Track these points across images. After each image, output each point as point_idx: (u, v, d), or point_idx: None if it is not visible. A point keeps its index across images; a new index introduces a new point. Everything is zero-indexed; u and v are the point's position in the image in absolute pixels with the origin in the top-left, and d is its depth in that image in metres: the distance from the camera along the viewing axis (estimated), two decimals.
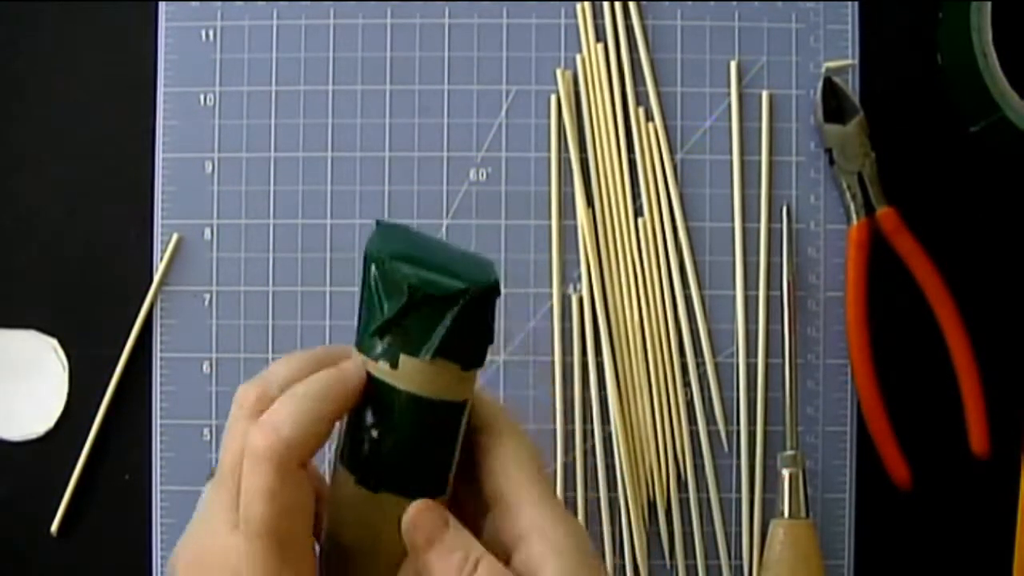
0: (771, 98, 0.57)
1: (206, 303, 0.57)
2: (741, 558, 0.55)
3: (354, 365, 0.39)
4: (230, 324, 0.57)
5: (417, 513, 0.37)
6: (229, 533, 0.38)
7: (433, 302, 0.39)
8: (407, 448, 0.40)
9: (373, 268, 0.39)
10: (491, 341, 0.42)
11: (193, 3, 0.57)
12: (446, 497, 0.41)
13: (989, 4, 0.53)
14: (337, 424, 0.39)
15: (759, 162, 0.57)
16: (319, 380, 0.38)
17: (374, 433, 0.40)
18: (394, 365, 0.39)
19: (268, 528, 0.36)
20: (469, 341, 0.40)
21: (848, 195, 0.56)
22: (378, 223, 0.41)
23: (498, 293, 0.41)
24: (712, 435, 0.56)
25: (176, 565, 0.41)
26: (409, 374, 0.39)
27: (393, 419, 0.40)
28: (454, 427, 0.41)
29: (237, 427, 0.39)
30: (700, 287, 0.56)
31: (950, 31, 0.55)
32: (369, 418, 0.40)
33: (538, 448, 0.41)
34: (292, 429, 0.36)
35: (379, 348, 0.39)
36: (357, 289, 0.40)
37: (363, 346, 0.39)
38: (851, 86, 0.56)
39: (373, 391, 0.40)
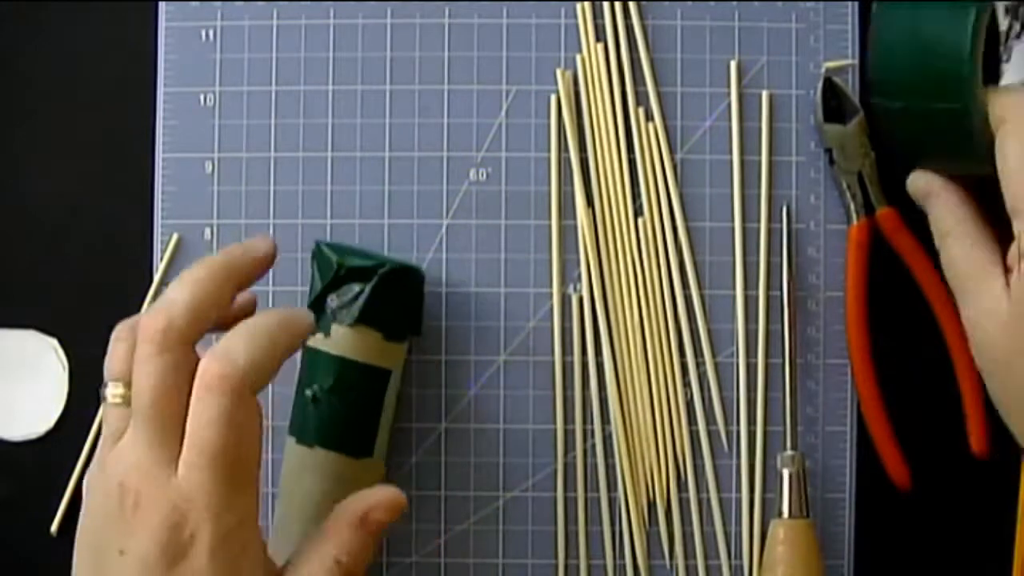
0: (771, 98, 0.57)
1: None
2: (741, 558, 0.55)
3: (305, 312, 0.45)
4: None
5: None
6: (164, 468, 0.38)
7: (355, 276, 0.50)
8: (337, 406, 0.49)
9: (313, 260, 0.52)
10: (415, 320, 0.53)
11: (193, 3, 0.57)
12: (374, 460, 0.51)
13: None
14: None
15: (759, 162, 0.57)
16: (271, 315, 0.42)
17: (308, 393, 0.49)
18: (327, 334, 0.50)
19: (224, 456, 0.37)
20: (389, 312, 0.50)
21: (848, 195, 0.56)
22: (316, 244, 0.53)
23: (419, 277, 0.53)
24: (712, 435, 0.56)
25: (92, 504, 0.41)
26: (338, 340, 0.50)
27: (326, 380, 0.49)
28: (379, 391, 0.50)
29: (150, 362, 0.38)
30: (700, 287, 0.56)
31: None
32: (308, 383, 0.50)
33: None
34: (247, 359, 0.38)
35: (318, 323, 0.49)
36: None
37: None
38: (851, 86, 0.56)
39: (311, 359, 0.50)
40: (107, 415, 0.41)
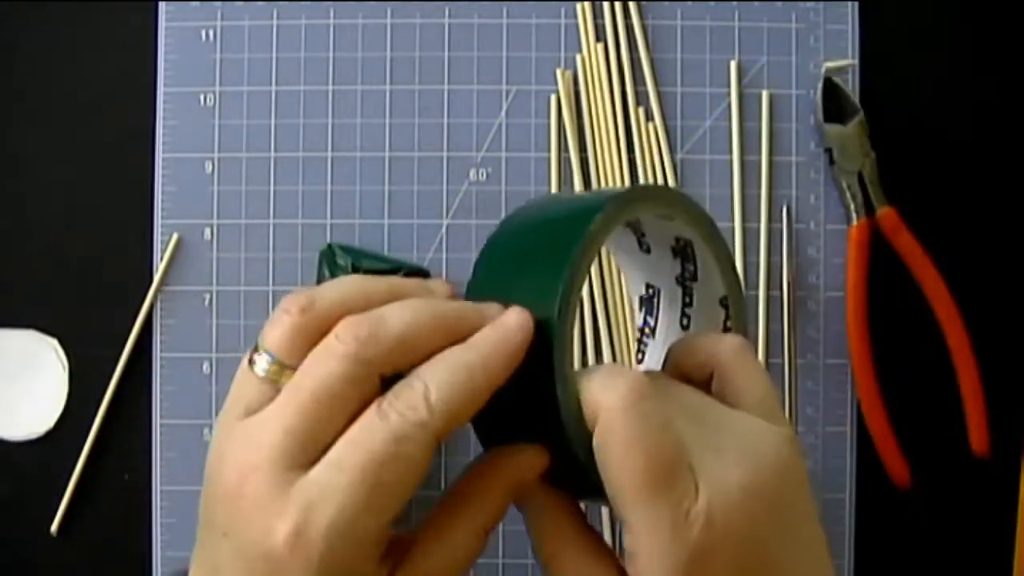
0: (771, 98, 0.57)
1: (206, 303, 0.57)
2: None
3: (518, 315, 0.34)
4: (230, 324, 0.57)
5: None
6: (293, 467, 0.33)
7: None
8: None
9: (322, 261, 0.51)
10: None
11: (193, 3, 0.57)
12: None
13: None
14: None
15: (759, 162, 0.57)
16: (479, 344, 0.34)
17: None
18: None
19: (380, 488, 0.33)
20: None
21: (848, 195, 0.56)
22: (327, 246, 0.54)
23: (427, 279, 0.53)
24: None
25: (211, 470, 0.36)
26: None
27: None
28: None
29: (336, 363, 0.33)
30: None
31: None
32: None
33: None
34: (443, 407, 0.33)
35: None
36: None
37: None
38: (851, 86, 0.56)
39: None
40: (244, 380, 0.37)
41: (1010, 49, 0.56)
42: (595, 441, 0.33)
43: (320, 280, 0.53)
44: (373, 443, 0.32)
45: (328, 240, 0.56)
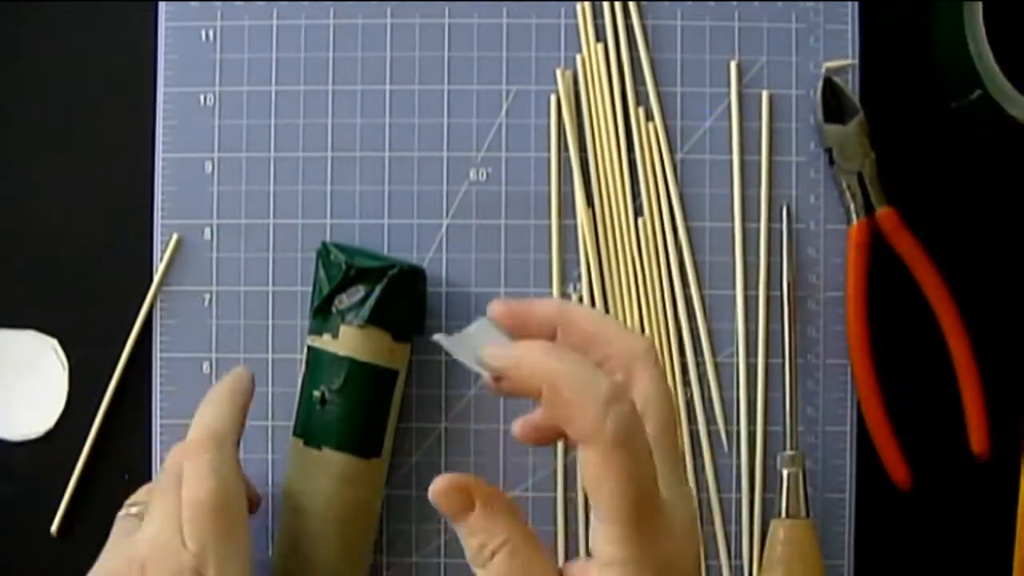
0: (771, 98, 0.57)
1: (206, 303, 0.57)
2: (741, 558, 0.55)
3: (242, 368, 0.50)
4: (230, 324, 0.57)
5: (439, 490, 0.36)
6: (175, 539, 0.42)
7: (364, 276, 0.50)
8: (345, 406, 0.49)
9: (319, 260, 0.52)
10: (420, 320, 0.53)
11: (193, 3, 0.57)
12: (381, 460, 0.51)
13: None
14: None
15: (759, 162, 0.57)
16: (220, 383, 0.48)
17: (316, 394, 0.50)
18: (335, 335, 0.50)
19: (216, 504, 0.42)
20: (397, 313, 0.51)
21: (848, 195, 0.56)
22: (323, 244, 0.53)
23: (423, 278, 0.53)
24: (712, 435, 0.56)
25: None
26: (347, 341, 0.50)
27: (334, 381, 0.49)
28: (388, 391, 0.51)
29: (187, 458, 0.44)
30: (700, 287, 0.56)
31: (943, 10, 0.55)
32: (314, 386, 0.50)
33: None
34: (215, 421, 0.45)
35: (324, 324, 0.51)
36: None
37: (312, 329, 0.51)
38: (851, 86, 0.56)
39: (317, 360, 0.50)
40: (121, 526, 0.47)
41: (1010, 49, 0.56)
42: (589, 473, 0.34)
43: (316, 280, 0.53)
44: (200, 482, 0.43)
45: (328, 240, 0.56)
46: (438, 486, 0.36)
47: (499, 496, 0.36)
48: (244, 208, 0.57)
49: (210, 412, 0.46)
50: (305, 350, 0.51)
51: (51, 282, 0.57)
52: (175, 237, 0.57)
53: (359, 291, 0.50)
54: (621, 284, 0.56)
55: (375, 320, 0.50)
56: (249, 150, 0.57)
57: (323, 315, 0.51)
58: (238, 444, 0.46)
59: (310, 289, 0.56)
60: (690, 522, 0.37)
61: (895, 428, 0.55)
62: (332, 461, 0.49)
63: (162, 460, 0.56)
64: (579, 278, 0.56)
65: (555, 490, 0.56)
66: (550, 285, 0.56)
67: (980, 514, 0.56)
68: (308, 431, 0.50)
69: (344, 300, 0.50)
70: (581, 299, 0.56)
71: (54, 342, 0.57)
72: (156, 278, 0.57)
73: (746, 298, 0.56)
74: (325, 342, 0.50)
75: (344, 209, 0.57)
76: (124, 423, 0.57)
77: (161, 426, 0.56)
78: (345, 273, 0.50)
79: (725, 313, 0.56)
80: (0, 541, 0.57)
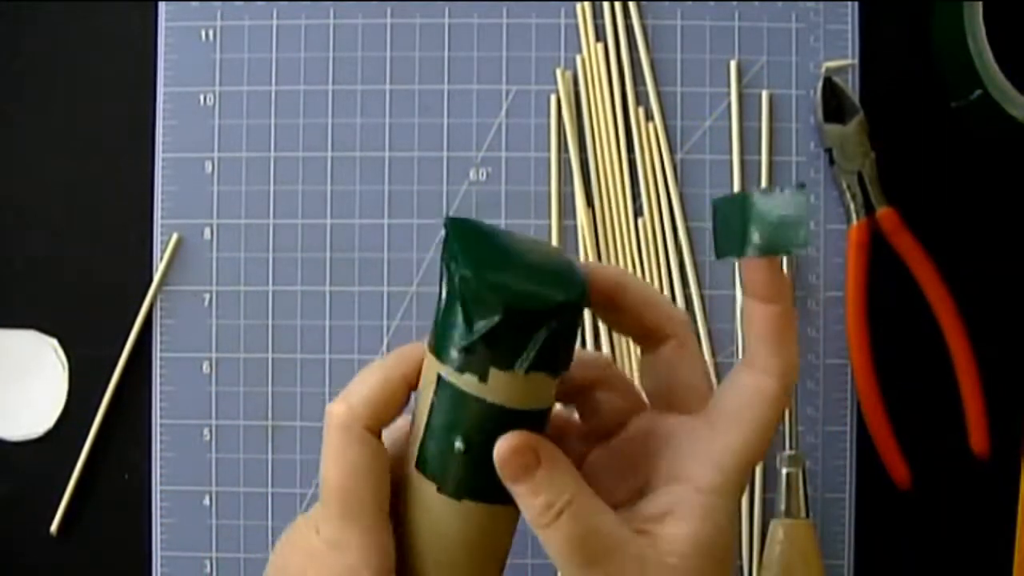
0: (771, 98, 0.57)
1: (206, 303, 0.57)
2: (741, 558, 0.55)
3: (412, 346, 0.40)
4: (230, 324, 0.57)
5: (506, 449, 0.36)
6: (309, 530, 0.39)
7: (529, 317, 0.37)
8: (490, 456, 0.38)
9: (458, 283, 0.37)
10: (575, 344, 0.40)
11: (193, 3, 0.57)
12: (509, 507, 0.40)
13: None
14: (411, 430, 0.40)
15: (759, 162, 0.57)
16: (389, 355, 0.40)
17: (459, 445, 0.39)
18: (483, 378, 0.38)
19: (339, 492, 0.38)
20: (561, 350, 0.39)
21: (848, 195, 0.56)
22: (448, 222, 0.39)
23: (588, 298, 0.39)
24: None
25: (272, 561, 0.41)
26: (500, 387, 0.38)
27: (482, 431, 0.38)
28: (541, 429, 0.39)
29: (332, 447, 0.39)
30: (700, 287, 0.56)
31: (943, 10, 0.55)
32: (454, 429, 0.39)
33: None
34: (358, 398, 0.39)
35: (465, 360, 0.38)
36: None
37: (444, 356, 0.38)
38: (851, 86, 0.56)
39: (458, 402, 0.38)
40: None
41: (1010, 49, 0.56)
42: (745, 396, 0.37)
43: (450, 294, 0.38)
44: (325, 463, 0.39)
45: (329, 240, 0.56)
46: (509, 443, 0.36)
47: (562, 455, 0.37)
48: (244, 208, 0.57)
49: (361, 382, 0.40)
50: (436, 380, 0.38)
51: (51, 282, 0.57)
52: (175, 237, 0.57)
53: (519, 331, 0.37)
54: None
55: (539, 365, 0.38)
56: (249, 150, 0.57)
57: (463, 347, 0.38)
58: (386, 423, 0.40)
59: (310, 289, 0.57)
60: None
61: (895, 428, 0.55)
62: (470, 511, 0.40)
63: (162, 460, 0.56)
64: None
65: None
66: None
67: (980, 514, 0.56)
68: (445, 478, 0.40)
69: (498, 341, 0.38)
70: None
71: (54, 342, 0.57)
72: (156, 278, 0.57)
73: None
74: (469, 384, 0.38)
75: (344, 209, 0.57)
76: (124, 423, 0.57)
77: (161, 426, 0.56)
78: (505, 315, 0.37)
79: (725, 313, 0.56)
80: (0, 541, 0.57)
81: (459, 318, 0.37)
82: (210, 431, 0.56)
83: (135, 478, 0.56)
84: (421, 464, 0.40)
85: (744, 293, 0.39)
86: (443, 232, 0.39)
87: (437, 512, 0.40)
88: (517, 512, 0.40)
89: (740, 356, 0.56)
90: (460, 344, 0.38)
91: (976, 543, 0.56)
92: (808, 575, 0.52)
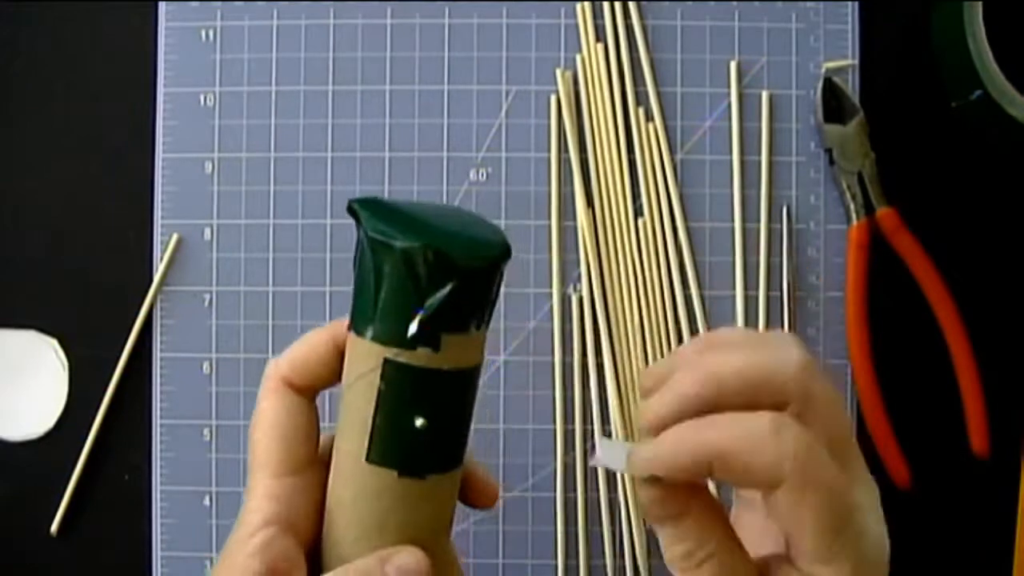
0: (771, 98, 0.57)
1: (206, 303, 0.57)
2: None
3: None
4: (230, 324, 0.57)
5: (657, 499, 0.35)
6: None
7: (479, 275, 0.37)
8: (452, 425, 0.39)
9: (402, 258, 0.36)
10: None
11: (193, 3, 0.57)
12: (462, 466, 0.41)
13: None
14: (341, 429, 0.39)
15: (759, 162, 0.57)
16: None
17: (420, 422, 0.38)
18: (436, 348, 0.37)
19: (250, 435, 0.39)
20: (495, 298, 0.39)
21: (848, 195, 0.56)
22: (357, 204, 0.38)
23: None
24: None
25: None
26: (452, 352, 0.37)
27: (439, 402, 0.38)
28: (476, 386, 0.40)
29: (258, 402, 0.41)
30: (700, 287, 0.56)
31: (943, 10, 0.55)
32: (412, 408, 0.38)
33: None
34: (285, 355, 0.40)
35: (415, 336, 0.37)
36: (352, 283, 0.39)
37: (388, 338, 0.37)
38: (851, 86, 0.56)
39: (414, 380, 0.37)
40: None
41: (1010, 49, 0.56)
42: (783, 515, 0.34)
43: (376, 272, 0.37)
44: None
45: (329, 240, 0.56)
46: (654, 494, 0.35)
47: (713, 503, 0.35)
48: (244, 208, 0.57)
49: (293, 345, 0.40)
50: (379, 366, 0.37)
51: (51, 282, 0.57)
52: (175, 237, 0.57)
53: (467, 292, 0.37)
54: (621, 284, 0.56)
55: (488, 319, 0.38)
56: (249, 150, 0.57)
57: (420, 321, 0.37)
58: (315, 384, 0.39)
59: (310, 289, 0.57)
60: (877, 511, 0.37)
61: (895, 428, 0.55)
62: (440, 486, 0.39)
63: (162, 460, 0.56)
64: (579, 278, 0.56)
65: (555, 490, 0.56)
66: (550, 285, 0.56)
67: (980, 514, 0.56)
68: (407, 460, 0.38)
69: (433, 299, 0.37)
70: (581, 299, 0.56)
71: (54, 342, 0.57)
72: (156, 278, 0.57)
73: (746, 298, 0.56)
74: (422, 358, 0.37)
75: (344, 209, 0.57)
76: (124, 423, 0.57)
77: (161, 426, 0.56)
78: (461, 280, 0.37)
79: (725, 313, 0.56)
80: (0, 541, 0.57)
81: (406, 293, 0.36)
82: (210, 431, 0.56)
83: (135, 478, 0.56)
84: (376, 457, 0.38)
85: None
86: (353, 218, 0.38)
87: (398, 497, 0.39)
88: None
89: None
90: (413, 320, 0.37)
91: (976, 543, 0.56)
92: None
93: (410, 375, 0.37)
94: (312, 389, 0.40)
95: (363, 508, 0.39)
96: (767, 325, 0.56)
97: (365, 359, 0.37)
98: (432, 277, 0.36)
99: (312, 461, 0.39)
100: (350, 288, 0.58)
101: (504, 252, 0.38)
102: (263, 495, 0.38)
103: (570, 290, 0.56)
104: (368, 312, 0.37)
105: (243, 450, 0.56)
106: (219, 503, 0.56)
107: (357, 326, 0.38)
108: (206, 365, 0.57)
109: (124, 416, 0.57)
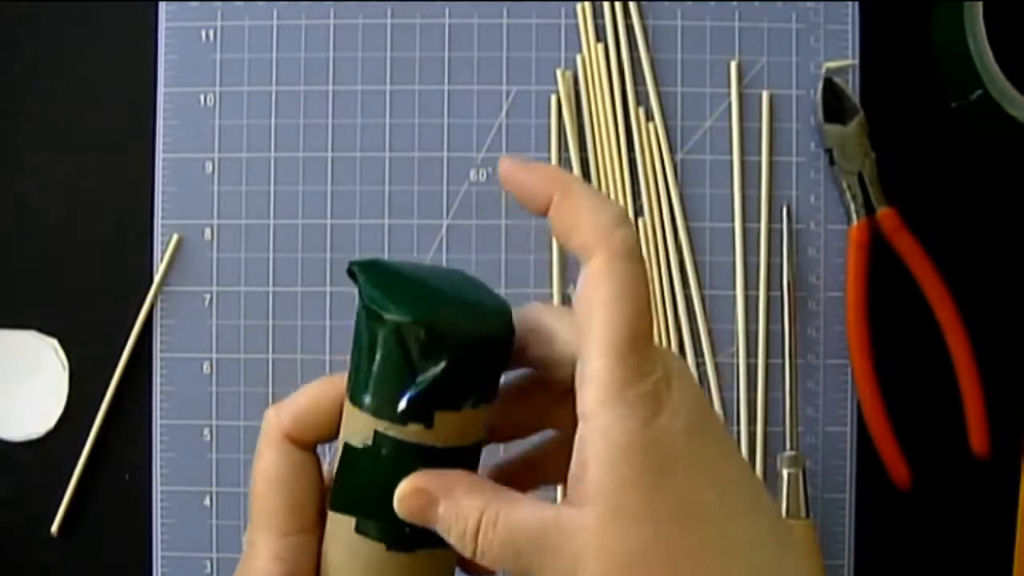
0: (771, 98, 0.57)
1: (206, 303, 0.57)
2: None
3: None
4: (230, 324, 0.57)
5: (397, 499, 0.35)
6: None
7: (475, 352, 0.35)
8: None
9: (394, 331, 0.34)
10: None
11: (193, 3, 0.57)
12: None
13: None
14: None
15: (759, 162, 0.57)
16: (330, 375, 0.39)
17: None
18: (429, 424, 0.35)
19: (252, 491, 0.37)
20: (499, 375, 0.37)
21: (848, 195, 0.56)
22: (357, 267, 0.37)
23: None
24: None
25: None
26: (446, 429, 0.35)
27: None
28: (477, 461, 0.38)
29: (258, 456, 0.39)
30: (700, 287, 0.56)
31: (943, 10, 0.55)
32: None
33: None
34: (286, 407, 0.37)
35: (408, 411, 0.35)
36: (355, 316, 0.37)
37: (380, 411, 0.35)
38: (851, 86, 0.56)
39: (405, 455, 0.36)
40: None
41: (1010, 49, 0.56)
42: (584, 288, 0.32)
43: (371, 344, 0.35)
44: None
45: (329, 240, 0.56)
46: (399, 492, 0.34)
47: (461, 477, 0.35)
48: (244, 208, 0.57)
49: (292, 396, 0.38)
50: (371, 438, 0.35)
51: (51, 282, 0.57)
52: (175, 237, 0.57)
53: (465, 367, 0.35)
54: None
55: (484, 398, 0.36)
56: (249, 150, 0.57)
57: (410, 398, 0.35)
58: (318, 437, 0.38)
59: (310, 289, 0.56)
60: (689, 379, 0.33)
61: (895, 428, 0.55)
62: (430, 563, 0.37)
63: (162, 460, 0.56)
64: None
65: (555, 490, 0.56)
66: (550, 285, 0.56)
67: (980, 514, 0.56)
68: (397, 535, 0.37)
69: (425, 376, 0.35)
70: None
71: (54, 342, 0.57)
72: (156, 278, 0.57)
73: (746, 298, 0.56)
74: (414, 434, 0.35)
75: (344, 209, 0.57)
76: (124, 423, 0.57)
77: (161, 426, 0.56)
78: (454, 358, 0.35)
79: (725, 313, 0.56)
80: (0, 541, 0.57)
81: (398, 368, 0.35)
82: (210, 431, 0.56)
83: (135, 478, 0.56)
84: (363, 529, 0.37)
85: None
86: (353, 281, 0.36)
87: (387, 570, 0.37)
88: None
89: (740, 356, 0.56)
90: (404, 396, 0.35)
91: (976, 543, 0.56)
92: (808, 575, 0.52)
93: (401, 450, 0.36)
94: (314, 443, 0.38)
95: (353, 574, 0.38)
96: (767, 325, 0.56)
97: (358, 428, 0.36)
98: (424, 353, 0.35)
99: (317, 518, 0.38)
100: (350, 288, 0.58)
101: (504, 328, 0.36)
102: (269, 556, 0.37)
103: (570, 290, 0.57)
104: (362, 381, 0.36)
105: (243, 450, 0.57)
106: (219, 503, 0.56)
107: (352, 393, 0.36)
108: (206, 365, 0.57)
109: (124, 416, 0.57)
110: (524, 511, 0.33)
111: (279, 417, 0.37)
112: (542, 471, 0.39)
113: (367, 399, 0.35)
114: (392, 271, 0.37)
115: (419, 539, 0.36)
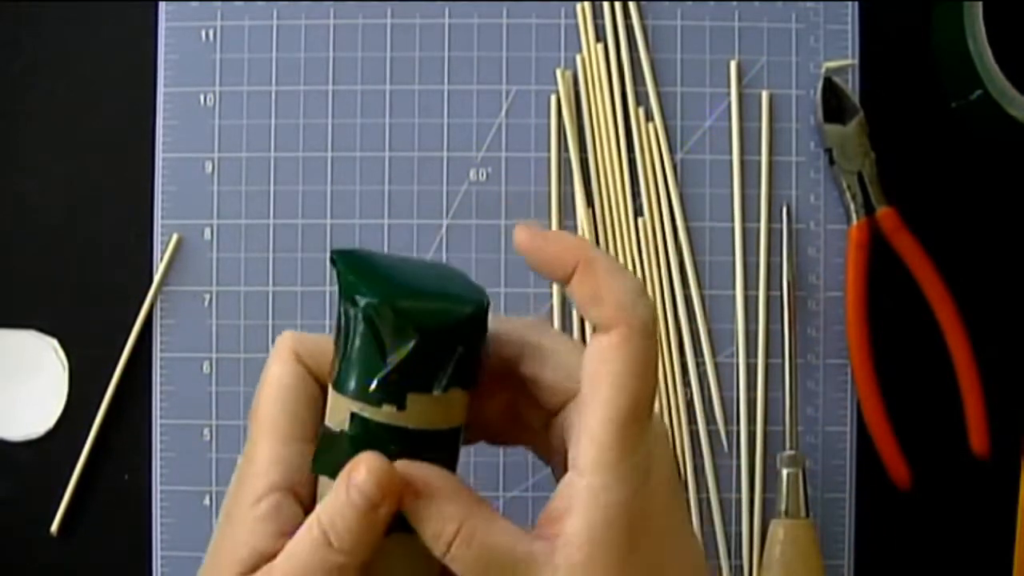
0: (771, 98, 0.57)
1: (206, 303, 0.57)
2: (741, 558, 0.55)
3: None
4: (230, 324, 0.57)
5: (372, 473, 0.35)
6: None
7: (443, 335, 0.36)
8: None
9: (366, 314, 0.36)
10: (488, 355, 0.39)
11: (193, 3, 0.57)
12: None
13: None
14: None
15: (759, 162, 0.57)
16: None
17: None
18: (401, 406, 0.36)
19: (254, 400, 0.38)
20: (474, 362, 0.38)
21: (848, 195, 0.56)
22: (336, 255, 0.38)
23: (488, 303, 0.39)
24: (712, 435, 0.56)
25: None
26: (419, 412, 0.37)
27: (406, 459, 0.37)
28: (456, 450, 0.39)
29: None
30: (700, 287, 0.56)
31: (943, 10, 0.55)
32: None
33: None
34: (303, 336, 0.39)
35: (381, 392, 0.36)
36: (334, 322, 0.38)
37: (356, 392, 0.36)
38: (851, 86, 0.56)
39: (378, 436, 0.37)
40: None
41: (1010, 49, 0.56)
42: (594, 360, 0.35)
43: (347, 328, 0.37)
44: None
45: (329, 240, 0.56)
46: (371, 477, 0.34)
47: (447, 478, 0.35)
48: (244, 208, 0.57)
49: (307, 334, 0.40)
50: (348, 419, 0.37)
51: (51, 282, 0.57)
52: (175, 237, 0.57)
53: (435, 349, 0.36)
54: None
55: (457, 381, 0.37)
56: (249, 150, 0.57)
57: (380, 379, 0.36)
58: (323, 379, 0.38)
59: (310, 289, 0.57)
60: (666, 443, 0.37)
61: (895, 428, 0.55)
62: (401, 543, 0.37)
63: (162, 460, 0.56)
64: None
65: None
66: (550, 285, 0.56)
67: (980, 514, 0.56)
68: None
69: (394, 356, 0.36)
70: None
71: (54, 342, 0.57)
72: (156, 278, 0.57)
73: (746, 298, 0.56)
74: (387, 415, 0.36)
75: (344, 209, 0.57)
76: (124, 423, 0.57)
77: (161, 426, 0.56)
78: (421, 337, 0.36)
79: (725, 313, 0.56)
80: (0, 541, 0.57)
81: (371, 350, 0.36)
82: (210, 431, 0.56)
83: (135, 478, 0.56)
84: None
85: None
86: (332, 268, 0.38)
87: (378, 559, 0.37)
88: None
89: (740, 356, 0.56)
90: (375, 376, 0.36)
91: (976, 543, 0.56)
92: (808, 575, 0.52)
93: (373, 432, 0.37)
94: (317, 375, 0.38)
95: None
96: (767, 325, 0.56)
97: (337, 410, 0.37)
98: (394, 333, 0.36)
99: (315, 435, 0.38)
100: None
101: (474, 312, 0.37)
102: (269, 459, 0.37)
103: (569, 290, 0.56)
104: (340, 365, 0.37)
105: (243, 450, 0.57)
106: (219, 503, 0.56)
107: (335, 380, 0.37)
108: (206, 365, 0.57)
109: (124, 416, 0.57)
110: (500, 535, 0.34)
111: (293, 338, 0.39)
112: (524, 435, 0.41)
113: (348, 384, 0.37)
114: (371, 260, 0.39)
115: (395, 523, 0.36)
